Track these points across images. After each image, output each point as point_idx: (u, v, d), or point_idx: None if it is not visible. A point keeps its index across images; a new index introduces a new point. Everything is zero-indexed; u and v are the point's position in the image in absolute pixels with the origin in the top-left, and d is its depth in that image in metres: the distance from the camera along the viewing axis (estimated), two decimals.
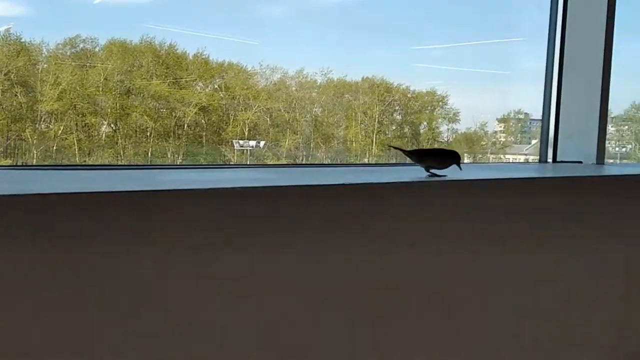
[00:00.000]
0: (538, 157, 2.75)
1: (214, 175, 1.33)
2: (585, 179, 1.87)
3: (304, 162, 2.92)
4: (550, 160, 2.72)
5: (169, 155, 2.73)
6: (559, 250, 1.62)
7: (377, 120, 3.59)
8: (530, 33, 3.22)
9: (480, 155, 3.92)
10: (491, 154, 3.98)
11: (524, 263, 1.52)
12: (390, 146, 3.58)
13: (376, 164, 2.68)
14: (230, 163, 2.58)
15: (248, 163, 2.68)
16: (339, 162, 3.03)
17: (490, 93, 3.62)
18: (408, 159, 1.70)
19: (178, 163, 2.65)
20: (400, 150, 1.75)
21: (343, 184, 1.12)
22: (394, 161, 3.04)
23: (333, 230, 1.08)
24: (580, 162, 2.63)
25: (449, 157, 1.64)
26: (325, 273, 1.07)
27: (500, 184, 1.46)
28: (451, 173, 1.58)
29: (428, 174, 1.60)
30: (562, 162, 2.68)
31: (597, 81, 2.53)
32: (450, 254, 1.33)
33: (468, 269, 1.38)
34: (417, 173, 1.56)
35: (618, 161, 4.17)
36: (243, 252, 0.95)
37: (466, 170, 1.60)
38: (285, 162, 2.82)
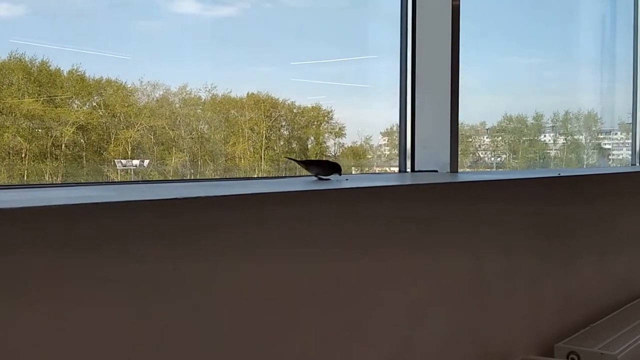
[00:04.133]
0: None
1: (36, 194, 1.30)
2: (438, 186, 2.00)
3: (184, 178, 2.91)
4: (409, 170, 2.92)
5: (46, 177, 2.65)
6: (413, 252, 1.79)
7: (264, 136, 3.63)
8: (384, 50, 3.36)
9: (367, 168, 4.04)
10: (377, 166, 4.10)
11: (381, 264, 1.68)
12: (287, 157, 3.63)
13: (257, 178, 2.81)
14: (68, 182, 2.49)
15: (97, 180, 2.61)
16: (223, 177, 3.07)
17: (370, 108, 3.74)
18: (300, 171, 2.06)
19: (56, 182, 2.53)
20: (294, 160, 2.10)
21: (171, 199, 1.11)
22: (284, 174, 3.14)
23: (164, 244, 1.10)
24: (436, 171, 2.83)
25: (331, 167, 2.08)
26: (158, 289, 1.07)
27: (357, 193, 1.50)
28: (337, 182, 1.77)
29: (316, 178, 2.00)
30: (419, 171, 2.88)
31: (447, 95, 2.75)
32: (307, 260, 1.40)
33: (333, 272, 1.48)
34: (288, 185, 1.65)
35: (494, 169, 4.35)
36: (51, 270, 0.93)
37: (349, 181, 1.79)
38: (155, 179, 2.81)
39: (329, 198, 1.54)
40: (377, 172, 3.99)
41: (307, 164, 2.15)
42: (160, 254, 0.94)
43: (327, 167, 2.10)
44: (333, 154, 3.92)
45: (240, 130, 3.51)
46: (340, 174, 2.05)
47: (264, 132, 3.63)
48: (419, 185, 2.03)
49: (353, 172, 3.85)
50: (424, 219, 1.87)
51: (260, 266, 1.10)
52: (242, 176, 3.27)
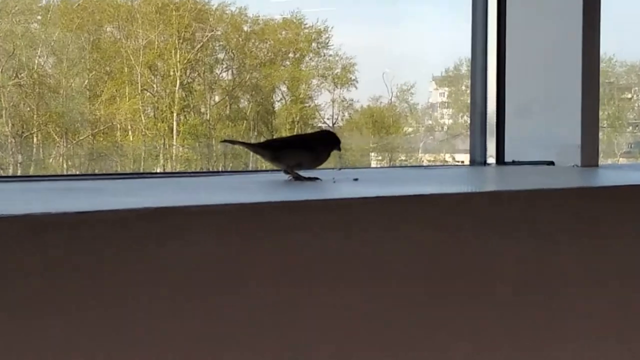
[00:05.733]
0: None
1: None
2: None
3: None
4: (492, 160, 2.61)
5: None
6: None
7: (179, 83, 3.22)
8: None
9: (402, 156, 3.79)
10: (425, 151, 3.79)
11: None
12: (225, 141, 3.43)
13: (156, 174, 2.34)
14: None
15: None
16: None
17: (410, 27, 3.43)
18: (259, 162, 2.24)
19: None
20: (240, 144, 1.93)
21: None
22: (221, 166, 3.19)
23: None
24: (552, 164, 2.57)
25: (320, 144, 1.71)
26: None
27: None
28: (332, 186, 1.72)
29: (290, 177, 1.70)
30: (515, 163, 2.58)
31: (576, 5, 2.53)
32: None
33: None
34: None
35: None
36: None
37: (358, 186, 1.73)
38: None
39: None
40: (424, 164, 3.66)
41: (270, 147, 1.69)
42: None
43: (309, 149, 1.68)
44: (330, 123, 3.58)
45: (126, 72, 3.15)
46: (339, 148, 1.73)
47: (178, 75, 3.20)
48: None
49: (373, 163, 3.66)
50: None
51: None
52: (122, 171, 3.13)
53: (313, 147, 1.74)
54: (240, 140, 2.67)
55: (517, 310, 1.65)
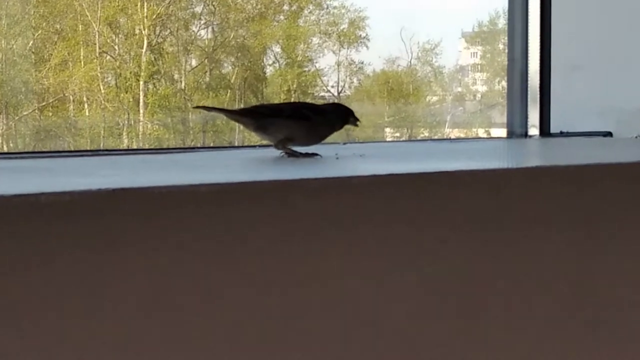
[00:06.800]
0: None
1: None
2: None
3: None
4: (535, 131, 2.61)
5: None
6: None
7: (146, 44, 3.26)
8: None
9: (424, 130, 3.82)
10: (451, 127, 3.83)
11: None
12: (197, 107, 3.47)
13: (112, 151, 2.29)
14: None
15: None
16: None
17: None
18: (247, 136, 2.34)
19: None
20: (217, 111, 2.01)
21: None
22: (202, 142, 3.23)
23: None
24: (610, 135, 2.60)
25: (322, 112, 1.72)
26: None
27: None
28: (333, 162, 1.73)
29: (283, 153, 1.72)
30: (563, 134, 2.58)
31: None
32: None
33: None
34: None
35: None
36: None
37: (363, 162, 1.71)
38: None
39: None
40: (451, 137, 3.76)
41: (253, 113, 1.69)
42: None
43: (304, 118, 1.69)
44: (335, 93, 3.65)
45: (80, 30, 3.15)
46: (356, 121, 1.72)
47: (146, 33, 3.19)
48: None
49: (388, 137, 3.68)
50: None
51: None
52: (80, 148, 3.11)
53: (308, 116, 1.72)
54: (215, 107, 2.64)
55: (567, 326, 1.58)
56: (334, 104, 1.89)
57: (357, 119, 1.77)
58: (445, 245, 1.52)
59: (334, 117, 1.74)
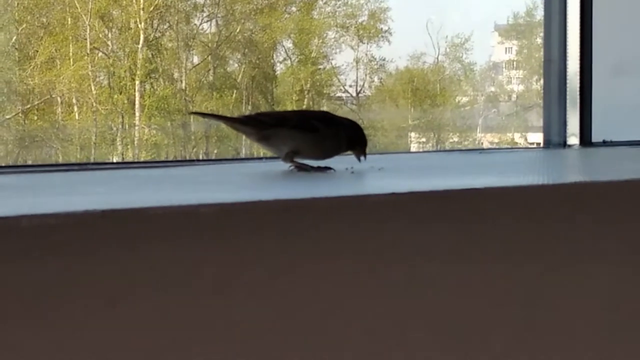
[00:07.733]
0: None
1: None
2: None
3: None
4: (575, 140, 2.59)
5: None
6: None
7: (142, 37, 3.27)
8: None
9: (452, 135, 3.95)
10: (484, 131, 3.97)
11: None
12: (194, 113, 4.15)
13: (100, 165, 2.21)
14: None
15: None
16: None
17: None
18: (253, 148, 2.71)
19: None
20: (215, 118, 2.16)
21: None
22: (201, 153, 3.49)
23: None
24: None
25: (332, 123, 1.70)
26: None
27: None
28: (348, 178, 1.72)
29: (292, 167, 1.73)
30: (605, 143, 2.58)
31: None
32: None
33: None
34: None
35: None
36: None
37: (382, 177, 1.75)
38: None
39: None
40: (484, 147, 3.81)
41: (254, 122, 1.69)
42: None
43: (312, 129, 1.69)
44: (353, 93, 3.66)
45: (70, 24, 3.14)
46: (361, 155, 1.70)
47: (142, 27, 3.20)
48: None
49: (413, 147, 3.77)
50: None
51: None
52: (64, 161, 3.34)
53: (316, 127, 1.71)
54: (214, 114, 2.72)
55: (615, 355, 1.55)
56: (353, 121, 1.83)
57: (364, 153, 1.76)
58: (472, 274, 1.50)
59: (345, 134, 1.73)
